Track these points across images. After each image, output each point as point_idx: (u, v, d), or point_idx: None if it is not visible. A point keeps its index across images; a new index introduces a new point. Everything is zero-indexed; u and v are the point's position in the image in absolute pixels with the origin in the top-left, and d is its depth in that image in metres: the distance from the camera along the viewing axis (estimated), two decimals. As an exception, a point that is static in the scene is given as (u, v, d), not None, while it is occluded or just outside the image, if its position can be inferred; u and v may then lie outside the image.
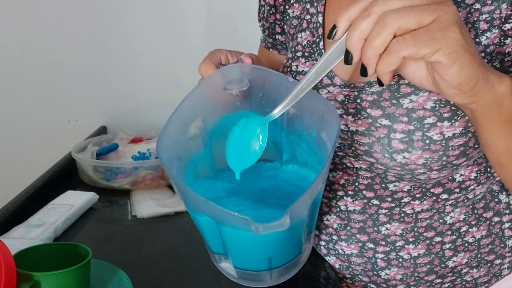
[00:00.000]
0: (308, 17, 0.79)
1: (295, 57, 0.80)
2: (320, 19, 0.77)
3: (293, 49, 0.81)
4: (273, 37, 0.91)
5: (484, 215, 0.75)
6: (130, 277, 0.71)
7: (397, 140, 0.67)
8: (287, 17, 0.85)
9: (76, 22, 1.40)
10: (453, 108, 0.65)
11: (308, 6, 0.80)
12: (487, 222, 0.75)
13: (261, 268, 0.64)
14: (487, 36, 0.63)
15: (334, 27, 0.49)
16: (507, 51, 0.62)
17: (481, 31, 0.63)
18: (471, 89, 0.47)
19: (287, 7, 0.84)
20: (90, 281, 0.67)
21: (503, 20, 0.61)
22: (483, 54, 0.63)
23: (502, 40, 0.62)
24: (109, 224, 0.96)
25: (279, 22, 0.88)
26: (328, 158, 0.57)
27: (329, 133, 0.63)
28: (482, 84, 0.47)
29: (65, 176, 1.15)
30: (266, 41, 0.94)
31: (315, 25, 0.78)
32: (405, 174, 0.69)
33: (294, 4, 0.83)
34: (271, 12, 0.88)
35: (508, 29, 0.61)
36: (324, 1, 0.77)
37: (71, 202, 0.96)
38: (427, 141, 0.65)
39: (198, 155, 0.69)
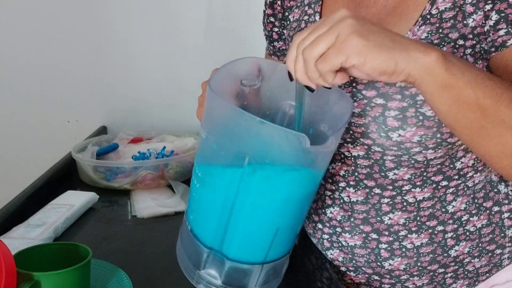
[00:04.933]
0: (306, 17, 0.81)
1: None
2: (318, 18, 0.78)
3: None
4: (272, 44, 0.93)
5: (484, 204, 0.77)
6: (130, 277, 0.72)
7: (392, 118, 0.69)
8: (288, 22, 0.86)
9: (76, 23, 1.40)
10: None
11: (306, 8, 0.82)
12: (487, 211, 0.77)
13: (257, 259, 0.65)
14: (473, 18, 0.66)
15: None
16: (486, 29, 0.65)
17: (467, 13, 0.66)
18: (393, 71, 0.53)
19: (286, 13, 0.86)
20: (90, 281, 0.67)
21: (484, 2, 0.64)
22: (471, 36, 0.66)
23: (484, 21, 0.65)
24: (109, 224, 0.96)
25: (276, 29, 0.90)
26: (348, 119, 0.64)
27: (331, 120, 0.66)
28: (403, 63, 0.53)
29: (65, 176, 1.15)
30: (269, 49, 0.96)
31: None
32: (402, 154, 0.70)
33: (295, 10, 0.85)
34: (269, 20, 0.89)
35: (488, 10, 0.64)
36: (321, 2, 0.79)
37: (71, 202, 0.96)
38: (421, 117, 0.68)
39: None
